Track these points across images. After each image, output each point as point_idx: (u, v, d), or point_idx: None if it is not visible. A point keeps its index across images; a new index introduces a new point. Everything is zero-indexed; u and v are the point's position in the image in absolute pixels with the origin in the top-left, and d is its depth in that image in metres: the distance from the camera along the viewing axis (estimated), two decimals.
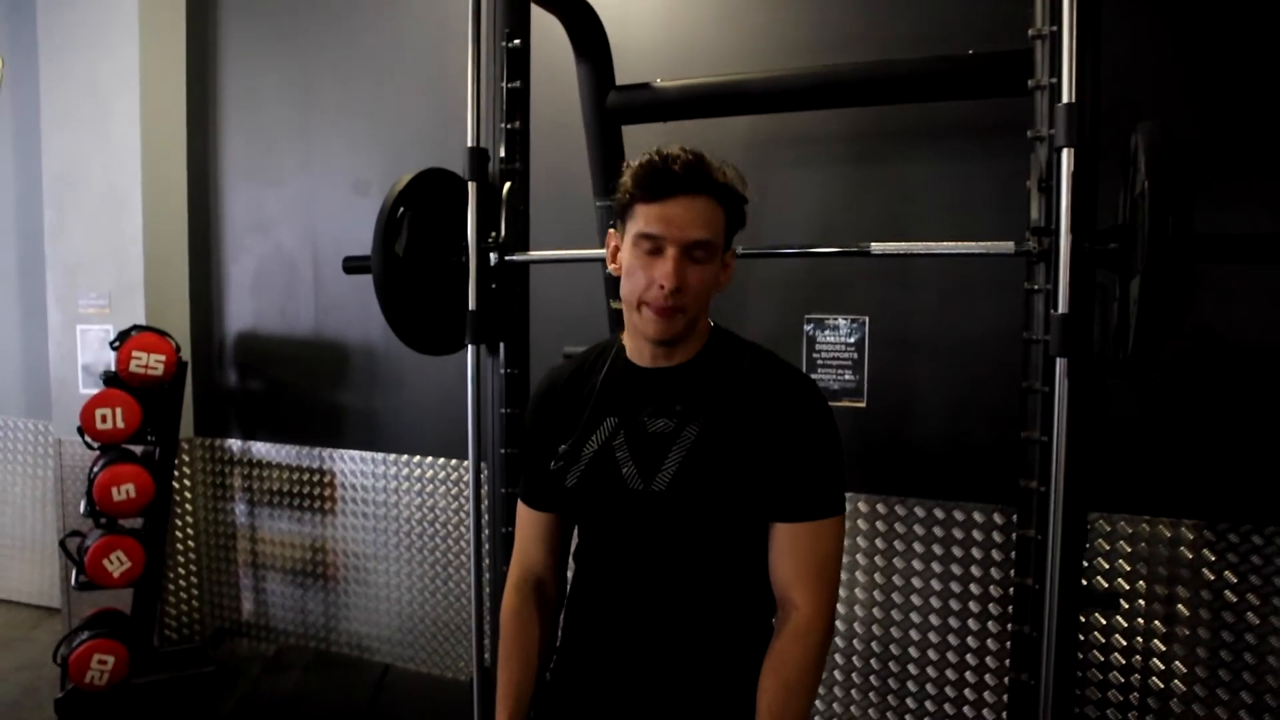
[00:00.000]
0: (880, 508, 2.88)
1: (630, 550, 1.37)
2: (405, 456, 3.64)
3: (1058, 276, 1.57)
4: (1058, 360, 1.58)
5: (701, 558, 1.35)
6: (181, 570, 3.98)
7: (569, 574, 1.54)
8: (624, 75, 2.56)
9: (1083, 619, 2.65)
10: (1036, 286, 1.68)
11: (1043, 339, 1.66)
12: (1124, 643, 2.63)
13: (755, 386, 1.34)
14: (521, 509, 1.52)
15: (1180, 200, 1.38)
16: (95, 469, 3.36)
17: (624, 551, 1.38)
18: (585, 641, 1.44)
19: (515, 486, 2.19)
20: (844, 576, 2.95)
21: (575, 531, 1.52)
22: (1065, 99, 1.56)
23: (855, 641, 2.95)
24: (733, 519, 1.33)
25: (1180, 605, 2.56)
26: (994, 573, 2.76)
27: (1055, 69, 1.61)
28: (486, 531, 2.25)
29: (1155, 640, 2.60)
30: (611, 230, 1.38)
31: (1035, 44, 1.70)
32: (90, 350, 3.83)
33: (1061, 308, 1.57)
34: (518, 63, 2.13)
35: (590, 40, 2.46)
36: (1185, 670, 2.56)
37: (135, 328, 3.50)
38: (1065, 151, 1.55)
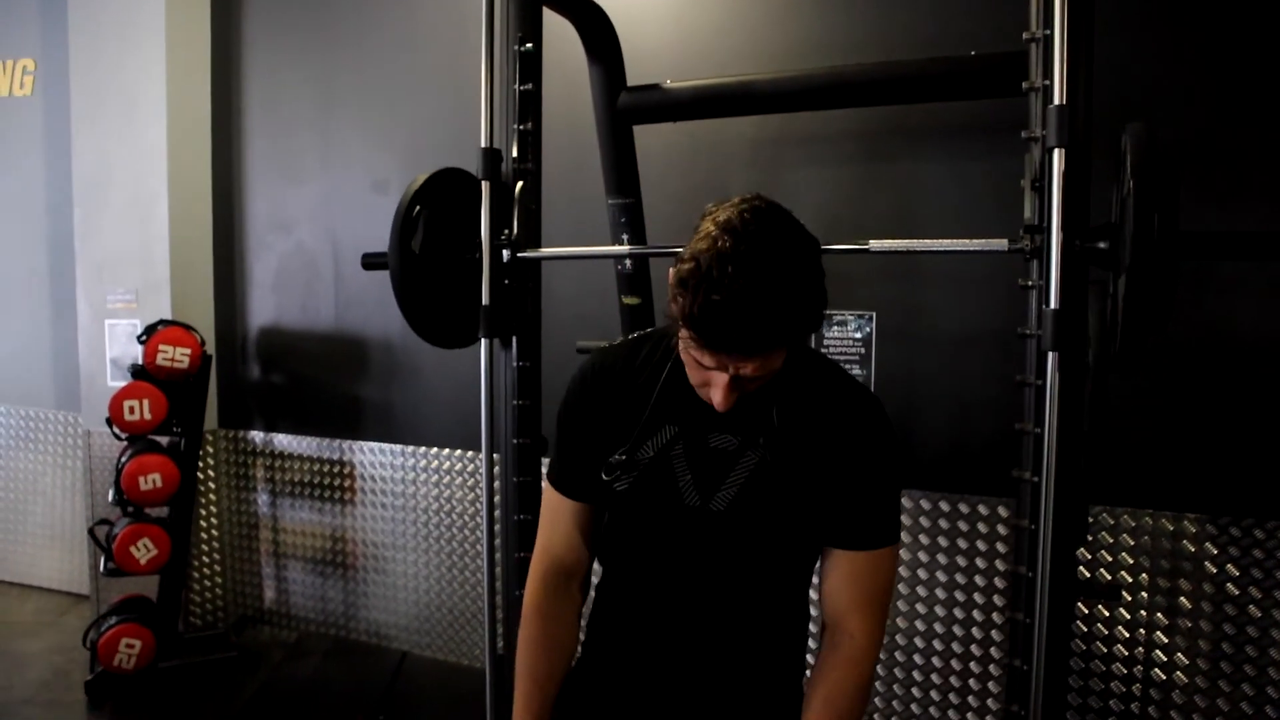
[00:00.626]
0: None
1: (676, 565, 1.34)
2: (422, 448, 3.73)
3: (1049, 273, 1.61)
4: (1049, 354, 1.62)
5: (749, 580, 1.34)
6: (205, 558, 4.09)
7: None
8: (635, 76, 2.62)
9: (1085, 611, 2.69)
10: (1030, 283, 1.72)
11: (1035, 334, 1.70)
12: (1126, 635, 2.67)
13: (824, 409, 1.31)
14: (551, 494, 1.44)
15: (1164, 199, 1.42)
16: (123, 459, 3.46)
17: (668, 565, 1.35)
18: (614, 650, 1.43)
19: (528, 476, 2.26)
20: None
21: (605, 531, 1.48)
22: (1056, 100, 1.60)
23: None
24: (788, 545, 1.33)
25: (1183, 598, 2.60)
26: (999, 565, 2.80)
27: (1048, 71, 1.65)
28: (499, 521, 2.31)
29: (1158, 632, 2.63)
30: (671, 269, 1.19)
31: (1030, 47, 1.74)
32: (118, 344, 3.94)
33: (1053, 303, 1.60)
34: (530, 66, 2.19)
35: (602, 42, 2.52)
36: (1187, 662, 2.60)
37: (161, 322, 3.61)
38: (1056, 152, 1.59)
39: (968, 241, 1.81)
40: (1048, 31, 1.66)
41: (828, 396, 1.32)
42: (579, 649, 1.50)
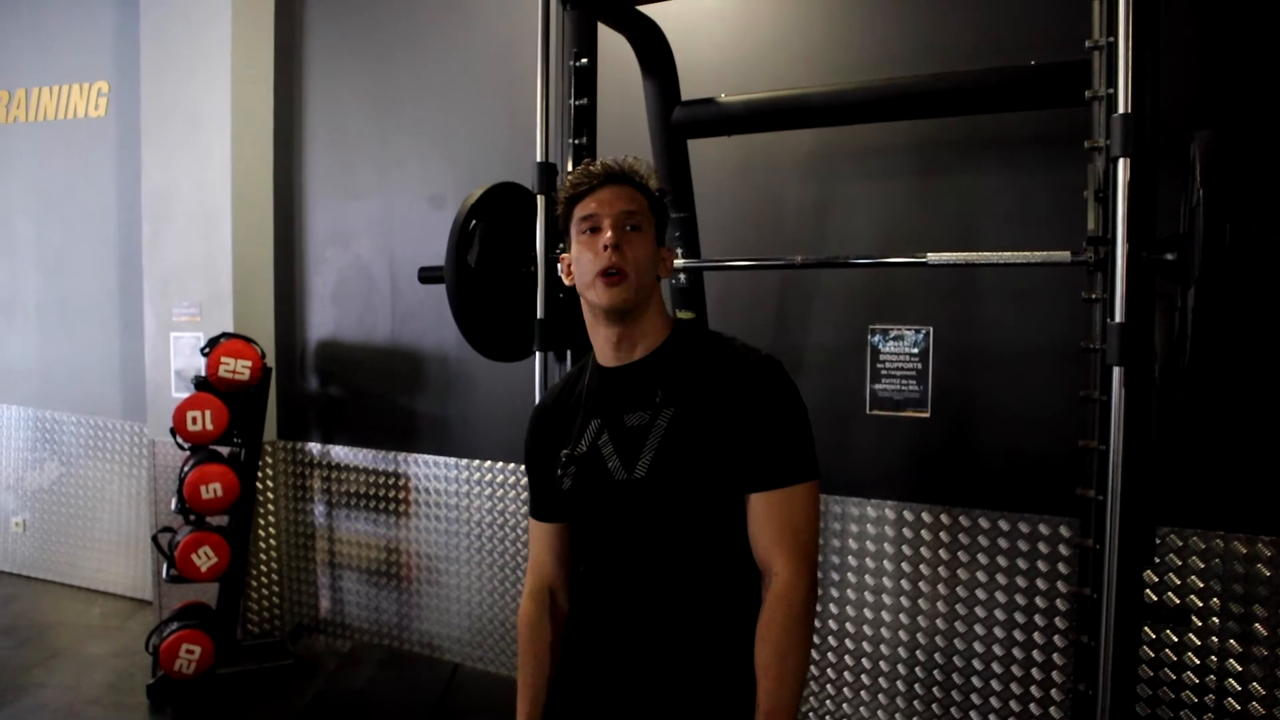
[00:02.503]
0: (944, 518, 2.87)
1: (618, 539, 1.46)
2: (476, 461, 3.75)
3: (1114, 286, 1.58)
4: (1114, 369, 1.58)
5: (685, 539, 1.41)
6: (263, 567, 4.16)
7: None
8: (689, 90, 2.62)
9: (1153, 636, 2.60)
10: (1094, 296, 1.68)
11: (1100, 348, 1.66)
12: (1197, 661, 2.57)
13: (719, 368, 1.43)
14: (532, 523, 1.62)
15: (1236, 208, 1.38)
16: (185, 468, 3.54)
17: (613, 542, 1.46)
18: (584, 636, 1.52)
19: None
20: (905, 587, 2.94)
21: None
22: (1121, 109, 1.56)
23: (918, 653, 2.93)
24: (711, 498, 1.40)
25: (1257, 624, 2.49)
26: (1060, 586, 2.72)
27: (1111, 80, 1.62)
28: None
29: (1230, 660, 2.53)
30: (563, 255, 1.52)
31: (1092, 55, 1.71)
32: (182, 356, 4.04)
33: (1118, 317, 1.57)
34: (585, 81, 2.21)
35: (656, 57, 2.53)
36: (1263, 693, 2.49)
37: (224, 335, 3.70)
38: (1121, 161, 1.56)
39: (1029, 254, 1.78)
40: (1111, 39, 1.63)
41: (723, 356, 1.45)
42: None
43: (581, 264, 1.44)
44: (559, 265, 1.56)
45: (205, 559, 3.48)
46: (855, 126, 2.83)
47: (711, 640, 1.42)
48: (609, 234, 1.40)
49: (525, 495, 3.57)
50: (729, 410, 1.39)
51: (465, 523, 3.80)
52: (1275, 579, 2.47)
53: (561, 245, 1.58)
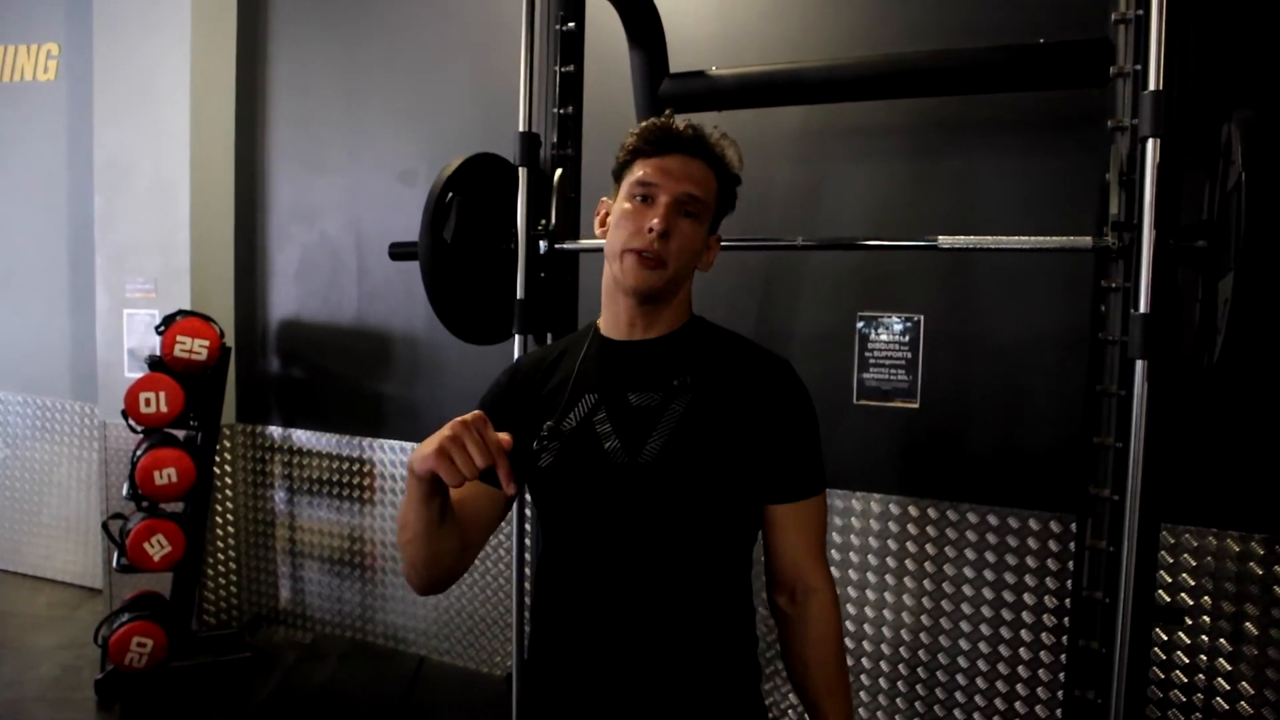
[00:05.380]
0: (931, 512, 2.80)
1: (612, 530, 1.29)
2: None
3: (1139, 274, 1.49)
4: (1137, 363, 1.49)
5: (689, 535, 1.29)
6: (220, 556, 4.00)
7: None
8: (678, 63, 2.50)
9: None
10: (1115, 285, 1.59)
11: (1120, 340, 1.57)
12: (1186, 660, 2.52)
13: (740, 364, 1.34)
14: None
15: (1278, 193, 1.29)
16: (138, 452, 3.37)
17: (605, 532, 1.30)
18: (564, 631, 1.34)
19: None
20: (890, 582, 2.87)
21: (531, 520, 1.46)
22: (1152, 86, 1.47)
23: (902, 649, 2.86)
24: (720, 496, 1.29)
25: (1248, 623, 2.45)
26: (1049, 583, 2.66)
27: (1141, 55, 1.53)
28: (529, 526, 2.20)
29: (1220, 659, 2.48)
30: (603, 199, 1.39)
31: (1118, 29, 1.61)
32: (136, 334, 3.86)
33: (1143, 307, 1.48)
34: (572, 46, 2.09)
35: (645, 27, 2.40)
36: (1253, 692, 2.45)
37: (180, 313, 3.52)
38: (1151, 142, 1.47)
39: (1046, 239, 1.68)
40: (1140, 12, 1.54)
41: (741, 354, 1.36)
42: (528, 648, 1.45)
43: (620, 229, 1.30)
44: (597, 210, 1.41)
45: (159, 547, 3.32)
46: (846, 106, 2.73)
47: (706, 642, 1.30)
48: (660, 215, 1.26)
49: None
50: (752, 410, 1.30)
51: None
52: (1267, 578, 2.42)
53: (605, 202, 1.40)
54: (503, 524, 3.51)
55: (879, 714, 2.92)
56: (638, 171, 1.31)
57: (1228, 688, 2.48)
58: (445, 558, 1.23)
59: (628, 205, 1.30)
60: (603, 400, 1.32)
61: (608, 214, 1.36)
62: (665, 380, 1.31)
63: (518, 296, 2.04)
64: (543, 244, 2.04)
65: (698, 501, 1.28)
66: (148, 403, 3.35)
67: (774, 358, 1.37)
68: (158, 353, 3.45)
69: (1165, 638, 2.54)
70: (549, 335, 2.13)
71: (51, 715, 3.22)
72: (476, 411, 1.10)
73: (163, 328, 3.44)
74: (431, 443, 1.07)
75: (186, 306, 3.69)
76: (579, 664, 1.32)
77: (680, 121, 1.33)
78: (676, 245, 1.28)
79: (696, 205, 1.30)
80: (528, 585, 2.20)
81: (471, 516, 1.28)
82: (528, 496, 2.02)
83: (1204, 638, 2.50)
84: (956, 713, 2.81)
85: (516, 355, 2.10)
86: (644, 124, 1.34)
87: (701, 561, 1.30)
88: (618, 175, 1.36)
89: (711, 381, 1.31)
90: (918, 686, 2.86)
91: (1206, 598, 2.49)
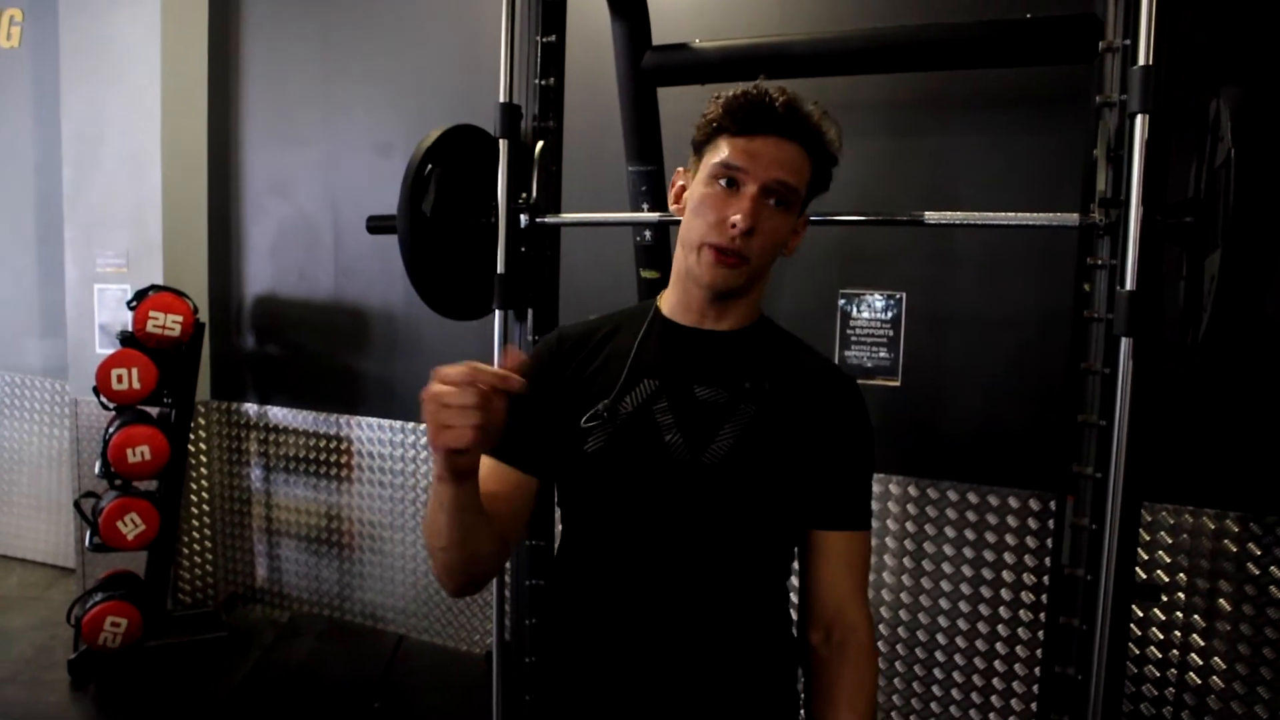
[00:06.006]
0: (912, 490, 2.80)
1: (664, 529, 1.19)
2: (424, 425, 3.57)
3: (1126, 251, 1.48)
4: (1122, 340, 1.49)
5: (742, 545, 1.21)
6: (196, 534, 3.95)
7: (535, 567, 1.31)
8: (661, 35, 2.46)
9: None
10: (1100, 261, 1.58)
11: (1105, 317, 1.57)
12: (1161, 636, 2.55)
13: (811, 380, 1.25)
14: (487, 462, 1.22)
15: (1268, 170, 1.28)
16: (110, 430, 3.32)
17: (655, 530, 1.19)
18: (591, 627, 1.24)
19: None
20: (873, 560, 2.88)
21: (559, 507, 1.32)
22: (1141, 61, 1.45)
23: (882, 627, 2.87)
24: (781, 510, 1.22)
25: (1222, 600, 2.47)
26: (1028, 560, 2.68)
27: (1130, 30, 1.51)
28: None
29: (1194, 635, 2.51)
30: (680, 170, 1.26)
31: (1106, 3, 1.60)
32: (107, 310, 3.79)
33: (1129, 284, 1.47)
34: (554, 16, 2.04)
35: None
36: (1224, 667, 2.48)
37: (153, 288, 3.45)
38: (1140, 118, 1.45)
39: (1033, 215, 1.66)
40: None
41: (809, 368, 1.27)
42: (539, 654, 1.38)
43: (699, 218, 1.17)
44: (671, 182, 1.27)
45: (132, 526, 3.28)
46: (831, 80, 2.69)
47: (745, 656, 1.23)
48: (745, 211, 1.13)
49: None
50: (817, 428, 1.22)
51: (411, 489, 3.63)
52: (1241, 555, 2.45)
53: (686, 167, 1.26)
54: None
55: None
56: (722, 150, 1.17)
57: (1201, 663, 2.51)
58: (483, 560, 1.15)
59: (708, 190, 1.17)
60: (664, 388, 1.22)
61: (683, 188, 1.24)
62: (734, 379, 1.22)
63: (498, 271, 2.00)
64: (523, 218, 2.01)
65: (759, 511, 1.21)
66: (120, 379, 3.29)
67: (842, 376, 1.29)
68: (129, 328, 3.38)
69: (1141, 614, 2.57)
70: (530, 311, 2.10)
71: (24, 696, 3.17)
72: (439, 368, 0.98)
73: (135, 303, 3.37)
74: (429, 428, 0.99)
75: (159, 281, 3.62)
76: (608, 665, 1.22)
77: (775, 92, 1.17)
78: (760, 241, 1.16)
79: (787, 193, 1.16)
80: (507, 565, 2.18)
81: (504, 510, 1.20)
82: (501, 462, 1.93)
83: (1179, 614, 2.53)
84: (935, 689, 2.83)
85: (497, 329, 2.07)
86: (731, 94, 1.18)
87: (752, 573, 1.24)
88: (698, 148, 1.22)
89: (780, 389, 1.22)
90: (897, 664, 2.87)
91: (1182, 575, 2.52)
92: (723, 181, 1.16)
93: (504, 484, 1.22)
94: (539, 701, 1.34)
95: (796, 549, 1.28)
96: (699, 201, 1.18)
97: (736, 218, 1.13)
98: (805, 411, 1.22)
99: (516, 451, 1.23)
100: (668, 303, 1.29)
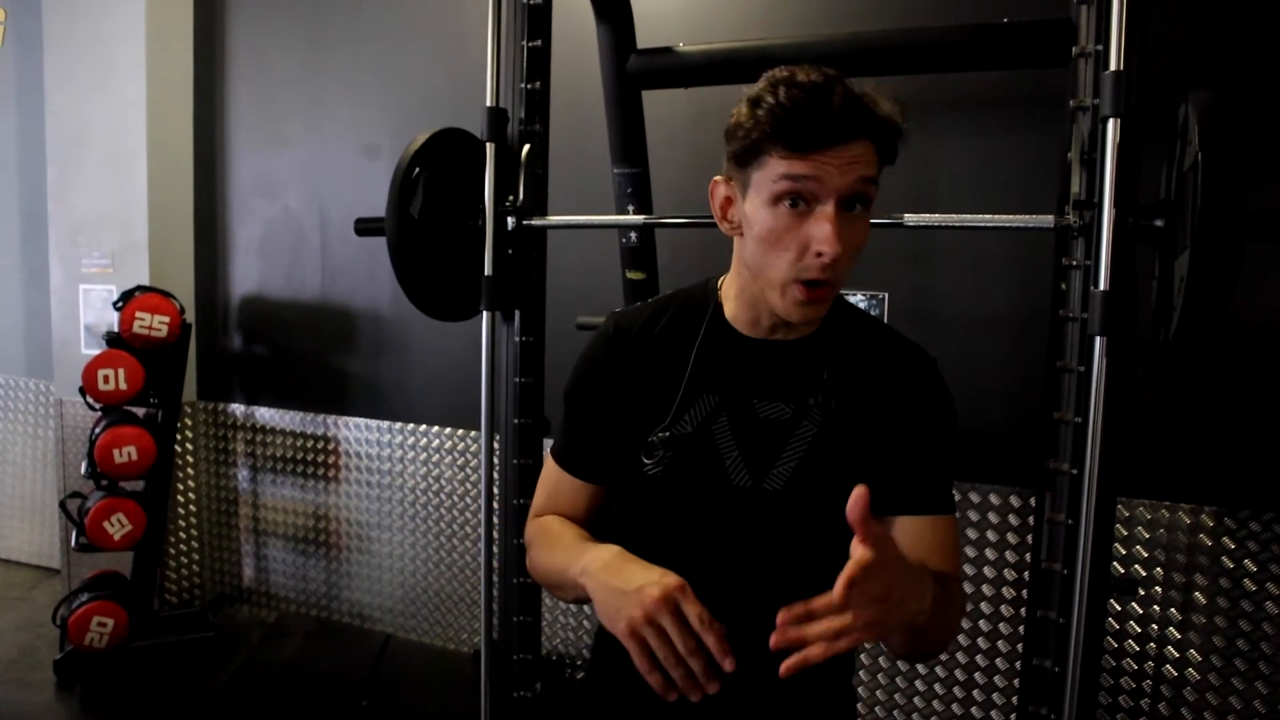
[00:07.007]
0: None
1: (723, 556, 1.14)
2: (411, 425, 3.60)
3: (1099, 252, 1.51)
4: (1096, 339, 1.53)
5: (804, 571, 1.09)
6: (182, 534, 3.95)
7: None
8: (645, 39, 2.49)
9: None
10: (1075, 262, 1.62)
11: (1080, 317, 1.60)
12: (1138, 629, 2.59)
13: (882, 365, 1.16)
14: (554, 469, 1.26)
15: (1234, 174, 1.32)
16: (97, 430, 3.32)
17: (714, 556, 1.14)
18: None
19: (529, 458, 2.15)
20: None
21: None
22: (1113, 66, 1.49)
23: None
24: (843, 533, 1.07)
25: (1198, 593, 2.53)
26: (1009, 555, 2.72)
27: (1102, 36, 1.55)
28: (499, 505, 2.20)
29: (1171, 628, 2.56)
30: (718, 179, 1.11)
31: (1080, 9, 1.63)
32: (93, 310, 3.78)
33: (1102, 285, 1.51)
34: (539, 20, 2.06)
35: (612, 2, 2.38)
36: (1200, 659, 2.53)
37: (139, 288, 3.45)
38: (1111, 122, 1.49)
39: (1010, 217, 1.70)
40: None
41: (881, 353, 1.17)
42: (585, 670, 1.36)
43: (775, 252, 1.03)
44: (710, 190, 1.12)
45: (119, 526, 3.28)
46: None
47: (807, 691, 1.16)
48: (829, 236, 0.99)
49: (461, 461, 3.49)
50: (890, 418, 1.14)
51: (398, 488, 3.65)
52: (1216, 549, 2.49)
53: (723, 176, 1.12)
54: (470, 502, 3.47)
55: None
56: (776, 167, 1.00)
57: (1177, 655, 2.56)
58: None
59: (775, 216, 1.02)
60: (724, 404, 1.14)
61: (729, 200, 1.11)
62: (798, 391, 1.14)
63: (485, 273, 2.03)
64: (510, 220, 2.03)
65: (824, 534, 1.10)
66: (106, 380, 3.29)
67: (917, 354, 1.19)
68: (116, 329, 3.38)
69: (1119, 608, 2.61)
70: (516, 312, 2.12)
71: (10, 696, 3.17)
72: (675, 581, 0.96)
73: (121, 304, 3.37)
74: (624, 607, 0.96)
75: (144, 282, 3.61)
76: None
77: (826, 87, 0.98)
78: (848, 257, 1.03)
79: (866, 188, 1.02)
80: (495, 564, 2.20)
81: (585, 519, 1.25)
82: (497, 446, 1.92)
83: (1156, 607, 2.58)
84: (918, 684, 2.87)
85: (485, 331, 2.09)
86: (772, 100, 0.99)
87: (814, 591, 1.12)
88: (741, 159, 1.04)
89: (848, 386, 1.14)
90: (880, 659, 2.91)
91: (1159, 569, 2.56)
92: (789, 201, 1.01)
93: (578, 495, 1.25)
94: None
95: None
96: (768, 232, 1.03)
97: (824, 248, 1.00)
98: (873, 405, 1.14)
99: (584, 465, 1.24)
100: (731, 309, 1.19)
